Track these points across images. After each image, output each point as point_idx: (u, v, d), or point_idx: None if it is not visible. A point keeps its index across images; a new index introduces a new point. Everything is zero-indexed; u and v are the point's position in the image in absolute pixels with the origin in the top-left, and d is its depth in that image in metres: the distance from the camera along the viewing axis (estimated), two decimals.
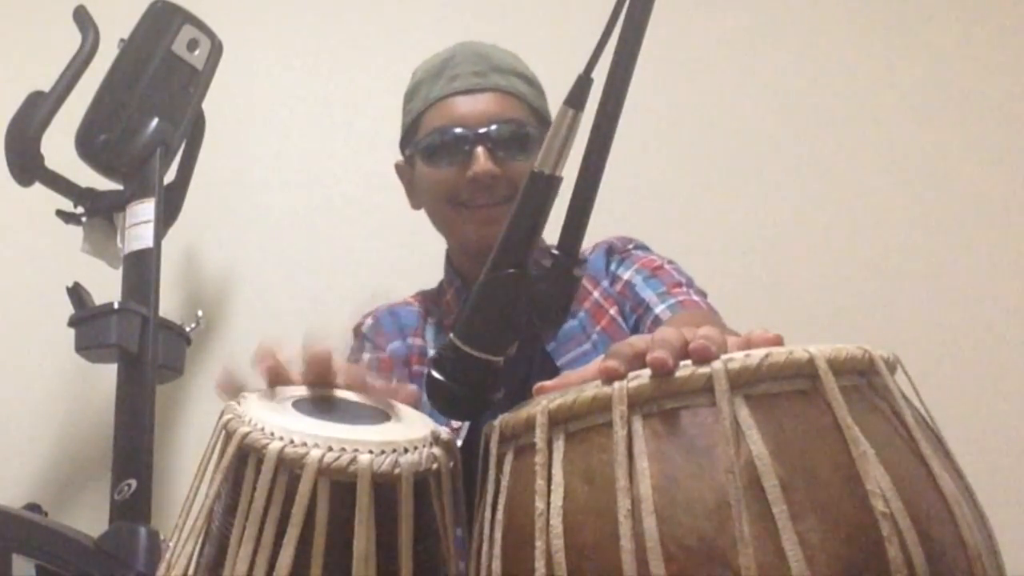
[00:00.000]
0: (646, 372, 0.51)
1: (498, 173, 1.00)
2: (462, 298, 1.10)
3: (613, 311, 1.04)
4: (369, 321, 1.14)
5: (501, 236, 0.62)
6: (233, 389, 0.65)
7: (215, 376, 0.66)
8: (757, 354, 0.50)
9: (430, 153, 1.04)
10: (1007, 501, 1.21)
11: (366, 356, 1.09)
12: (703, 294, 1.04)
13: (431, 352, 1.09)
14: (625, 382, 0.51)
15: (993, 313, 1.57)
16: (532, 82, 1.09)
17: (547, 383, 0.58)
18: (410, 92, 1.11)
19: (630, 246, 1.11)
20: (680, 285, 1.03)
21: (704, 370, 0.50)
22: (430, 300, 1.16)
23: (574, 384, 0.55)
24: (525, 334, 0.62)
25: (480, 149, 1.00)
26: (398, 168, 1.15)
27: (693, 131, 1.76)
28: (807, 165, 1.70)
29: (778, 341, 0.54)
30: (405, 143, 1.12)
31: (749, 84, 1.76)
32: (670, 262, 1.08)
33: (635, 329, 1.02)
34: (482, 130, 1.01)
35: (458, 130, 1.01)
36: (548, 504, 0.51)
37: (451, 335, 0.62)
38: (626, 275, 1.06)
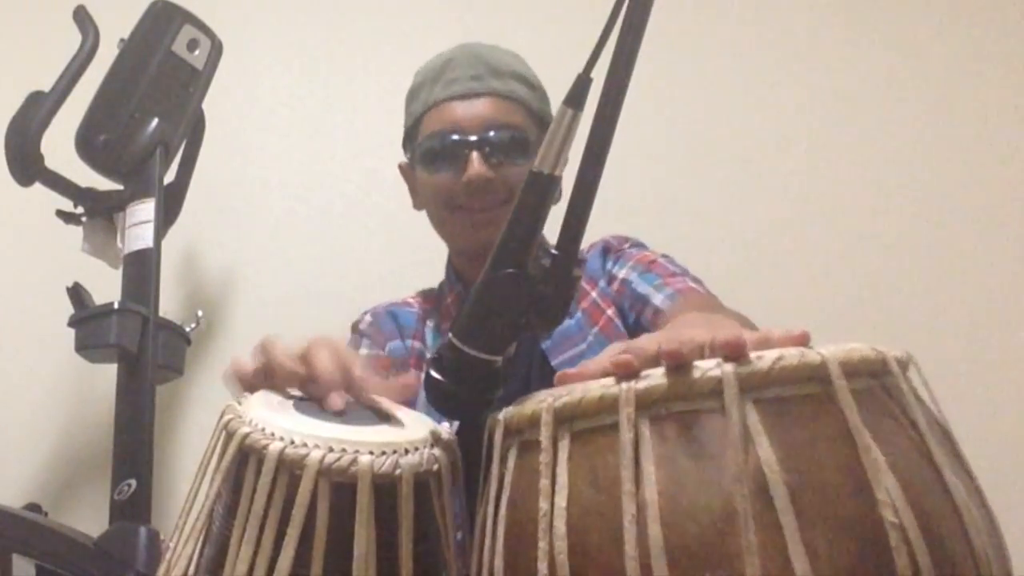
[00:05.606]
0: (655, 372, 0.50)
1: (492, 177, 1.00)
2: (462, 303, 1.10)
3: (611, 312, 1.04)
4: (368, 319, 1.14)
5: (501, 236, 0.61)
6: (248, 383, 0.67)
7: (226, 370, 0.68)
8: (769, 356, 0.49)
9: (428, 158, 1.05)
10: (1018, 502, 1.20)
11: (363, 352, 1.09)
12: (699, 281, 1.04)
13: (428, 355, 1.09)
14: (633, 383, 0.50)
15: (1004, 311, 1.57)
16: (533, 85, 1.08)
17: (570, 371, 0.56)
18: (411, 93, 1.11)
19: (626, 245, 1.11)
20: (675, 275, 1.03)
21: (714, 373, 0.49)
22: (430, 302, 1.16)
23: (595, 375, 0.54)
24: (524, 334, 0.62)
25: (475, 154, 1.01)
26: (401, 168, 1.15)
27: (693, 130, 1.75)
28: (811, 163, 1.70)
29: (803, 341, 0.52)
30: (406, 145, 1.12)
31: (750, 82, 1.76)
32: (664, 255, 1.08)
33: (636, 326, 1.02)
34: (476, 136, 1.01)
35: (454, 136, 1.02)
36: (552, 505, 0.50)
37: (450, 335, 0.62)
38: (622, 273, 1.06)
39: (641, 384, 0.50)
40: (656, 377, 0.50)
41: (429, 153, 1.04)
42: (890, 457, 0.47)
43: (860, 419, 0.48)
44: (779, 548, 0.44)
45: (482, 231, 1.02)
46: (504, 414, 0.58)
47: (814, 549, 0.44)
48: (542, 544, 0.50)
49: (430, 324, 1.12)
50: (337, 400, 0.64)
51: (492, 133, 1.01)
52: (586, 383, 0.53)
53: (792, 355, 0.49)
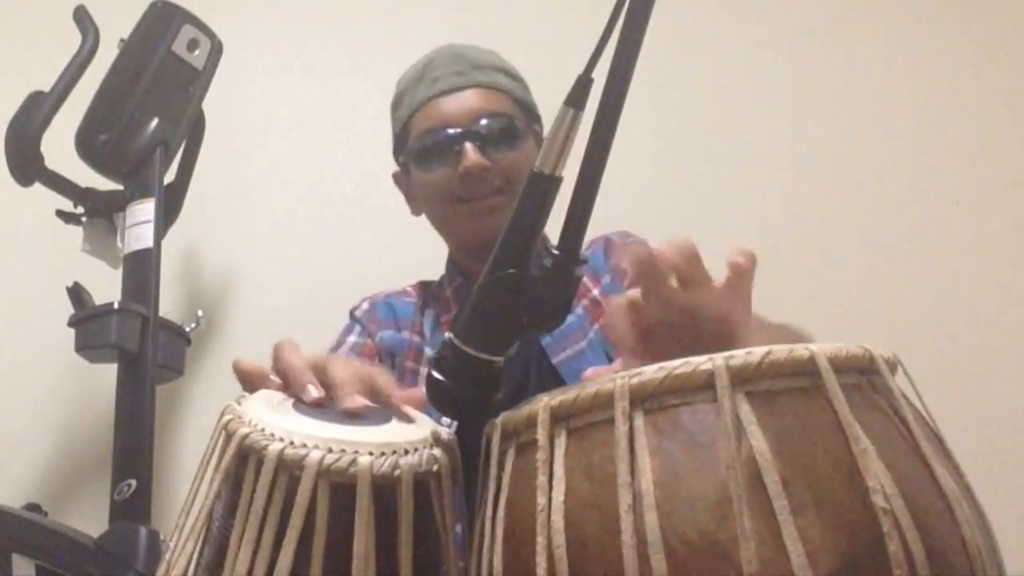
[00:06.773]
0: (648, 369, 0.51)
1: (488, 165, 1.01)
2: (462, 296, 1.10)
3: None
4: (365, 306, 1.15)
5: (501, 236, 0.61)
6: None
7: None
8: (758, 351, 0.50)
9: (422, 157, 1.06)
10: (1007, 501, 1.21)
11: (352, 339, 1.10)
12: None
13: (427, 349, 1.09)
14: (627, 378, 0.51)
15: (993, 313, 1.57)
16: (514, 76, 1.10)
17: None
18: (395, 101, 1.12)
19: (628, 241, 1.11)
20: None
21: (706, 367, 0.50)
22: (430, 293, 1.16)
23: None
24: (525, 334, 0.62)
25: (468, 145, 1.02)
26: (395, 177, 1.16)
27: (694, 130, 1.75)
28: (809, 164, 1.70)
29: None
30: (398, 151, 1.13)
31: (750, 82, 1.76)
32: None
33: None
34: (467, 127, 1.02)
35: (445, 130, 1.03)
36: (549, 500, 0.51)
37: (451, 335, 0.62)
38: None
39: (635, 379, 0.51)
40: (650, 372, 0.51)
41: (422, 152, 1.05)
42: (880, 449, 0.48)
43: (849, 411, 0.49)
44: (773, 533, 0.45)
45: (483, 221, 1.03)
46: (501, 418, 0.58)
47: (807, 534, 0.45)
48: (540, 539, 0.50)
49: (429, 314, 1.13)
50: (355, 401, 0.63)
51: (483, 122, 1.03)
52: (581, 384, 0.54)
53: (781, 350, 0.50)
